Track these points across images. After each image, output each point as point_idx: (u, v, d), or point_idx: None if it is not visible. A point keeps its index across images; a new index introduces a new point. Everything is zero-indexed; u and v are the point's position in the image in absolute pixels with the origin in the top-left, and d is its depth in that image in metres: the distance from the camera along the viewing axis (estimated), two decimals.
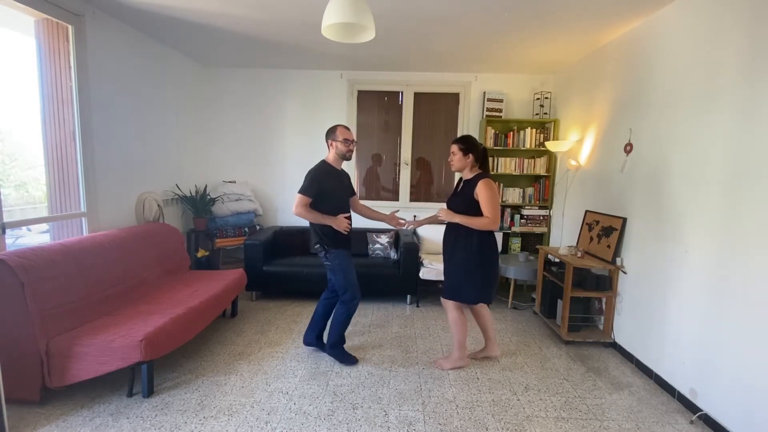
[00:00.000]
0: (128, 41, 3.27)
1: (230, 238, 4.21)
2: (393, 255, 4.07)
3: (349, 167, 4.62)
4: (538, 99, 4.34)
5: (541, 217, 4.37)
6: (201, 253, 4.02)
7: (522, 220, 4.37)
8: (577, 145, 3.74)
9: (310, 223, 2.62)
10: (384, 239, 4.13)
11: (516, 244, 4.50)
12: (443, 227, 2.69)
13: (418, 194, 4.74)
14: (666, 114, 2.57)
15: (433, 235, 4.28)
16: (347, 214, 2.64)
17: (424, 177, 4.74)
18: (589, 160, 3.55)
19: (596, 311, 3.29)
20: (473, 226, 2.43)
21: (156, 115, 3.68)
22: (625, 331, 2.94)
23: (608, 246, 3.05)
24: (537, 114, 4.35)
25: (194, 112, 4.38)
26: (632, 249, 2.87)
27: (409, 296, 3.97)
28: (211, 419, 2.11)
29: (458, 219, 2.45)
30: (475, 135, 4.50)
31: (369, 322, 3.46)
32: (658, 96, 2.65)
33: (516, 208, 4.43)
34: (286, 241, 4.19)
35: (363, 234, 4.20)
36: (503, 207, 4.39)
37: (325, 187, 2.55)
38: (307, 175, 2.57)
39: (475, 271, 2.50)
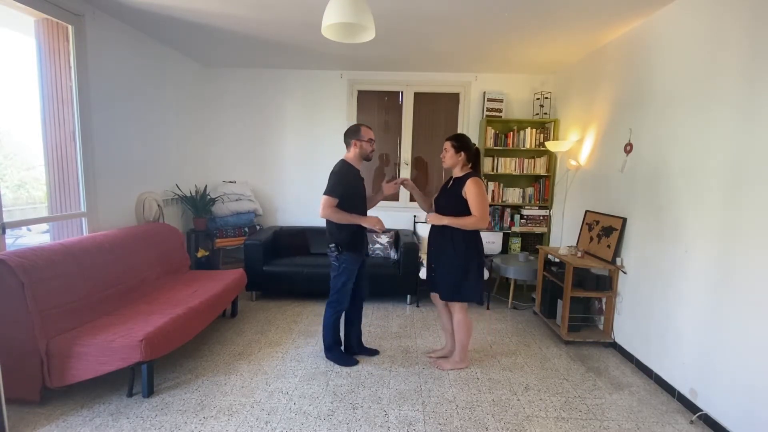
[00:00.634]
0: (128, 41, 3.27)
1: (230, 238, 4.21)
2: (393, 255, 4.07)
3: None
4: (538, 99, 4.34)
5: (541, 217, 4.37)
6: (201, 253, 4.02)
7: (522, 220, 4.37)
8: (577, 145, 3.74)
9: (328, 224, 2.56)
10: (384, 239, 4.13)
11: (516, 244, 4.50)
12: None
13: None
14: (666, 114, 2.57)
15: None
16: (377, 218, 2.57)
17: (421, 176, 4.74)
18: (589, 160, 3.55)
19: (596, 311, 3.29)
20: (462, 227, 2.43)
21: (156, 115, 3.69)
22: (625, 331, 2.94)
23: (608, 246, 3.05)
24: (537, 114, 4.35)
25: (194, 112, 4.38)
26: (632, 249, 2.87)
27: (409, 296, 3.97)
28: (211, 419, 2.11)
29: (447, 221, 2.45)
30: (475, 135, 4.51)
31: (369, 322, 3.46)
32: (658, 96, 2.65)
33: (516, 208, 4.43)
34: (286, 241, 4.19)
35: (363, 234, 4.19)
36: (503, 207, 4.39)
37: (350, 188, 2.51)
38: (331, 176, 2.49)
39: (469, 268, 2.50)
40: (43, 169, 2.78)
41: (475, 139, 4.51)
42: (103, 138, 3.03)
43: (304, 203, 4.70)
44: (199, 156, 4.52)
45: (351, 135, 2.58)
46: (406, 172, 4.68)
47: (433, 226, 2.62)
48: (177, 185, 4.03)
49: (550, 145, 3.93)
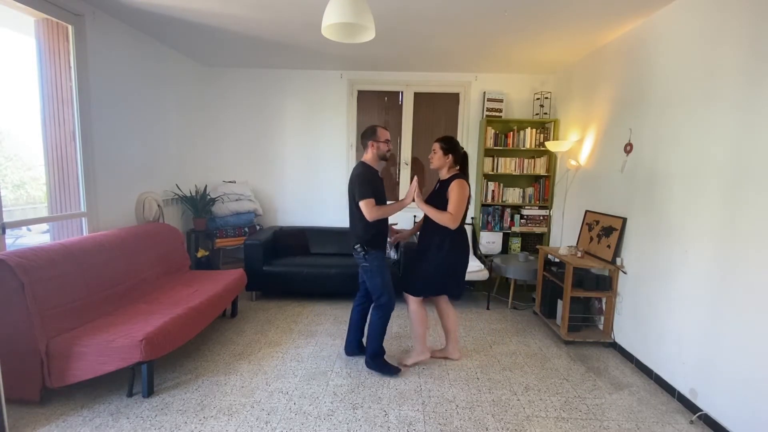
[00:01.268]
0: (128, 41, 3.27)
1: (230, 238, 4.21)
2: (393, 255, 4.06)
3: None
4: (538, 99, 4.34)
5: (541, 217, 4.37)
6: (201, 253, 4.02)
7: (522, 220, 4.38)
8: (577, 145, 3.74)
9: (353, 225, 2.55)
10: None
11: (516, 244, 4.50)
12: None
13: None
14: (666, 114, 2.57)
15: None
16: (412, 187, 2.56)
17: (421, 176, 4.74)
18: (589, 160, 3.54)
19: (596, 311, 3.29)
20: (434, 218, 2.46)
21: (156, 115, 3.68)
22: (625, 331, 2.94)
23: (608, 246, 3.05)
24: (537, 114, 4.35)
25: (194, 112, 4.38)
26: (632, 249, 2.87)
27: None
28: (211, 419, 2.11)
29: (424, 207, 2.49)
30: (475, 135, 4.51)
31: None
32: (658, 96, 2.65)
33: (516, 208, 4.43)
34: (286, 241, 4.19)
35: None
36: (503, 207, 4.39)
37: (375, 187, 2.51)
38: (356, 179, 2.47)
39: (449, 267, 2.56)
40: (43, 169, 2.78)
41: (475, 139, 4.53)
42: (103, 138, 3.02)
43: (304, 203, 4.70)
44: (199, 156, 4.52)
45: (368, 136, 2.58)
46: (406, 172, 4.68)
47: (424, 226, 2.66)
48: (177, 185, 4.03)
49: (550, 145, 3.93)
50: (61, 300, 2.23)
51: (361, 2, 1.96)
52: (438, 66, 4.23)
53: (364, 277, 2.63)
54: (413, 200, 2.49)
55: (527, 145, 4.28)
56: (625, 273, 2.94)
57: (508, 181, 4.45)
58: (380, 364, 2.64)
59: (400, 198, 4.66)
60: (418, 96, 4.58)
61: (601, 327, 3.22)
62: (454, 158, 2.55)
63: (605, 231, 3.14)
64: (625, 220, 2.96)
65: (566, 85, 4.07)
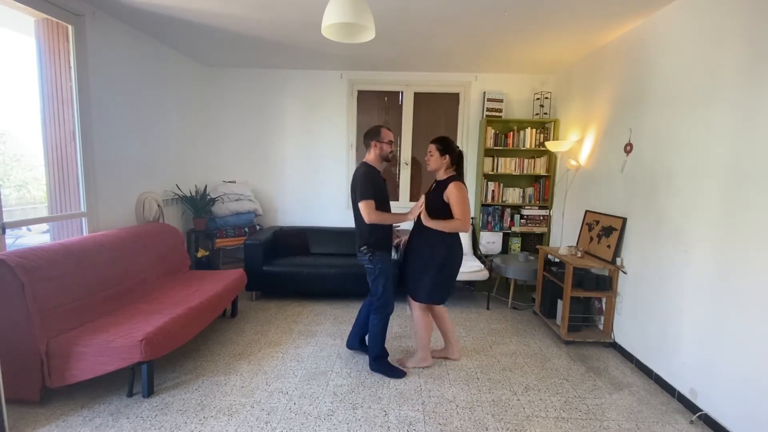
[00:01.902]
0: (128, 41, 3.27)
1: (230, 238, 4.21)
2: (393, 255, 4.06)
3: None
4: (538, 99, 4.34)
5: (541, 217, 4.37)
6: (201, 253, 4.03)
7: (522, 220, 4.38)
8: (577, 145, 3.74)
9: (358, 226, 2.53)
10: None
11: (516, 244, 4.50)
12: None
13: (416, 194, 4.74)
14: (666, 114, 2.57)
15: None
16: (418, 202, 2.57)
17: (415, 176, 4.74)
18: (589, 160, 3.54)
19: (596, 311, 3.29)
20: (447, 230, 2.44)
21: (156, 115, 3.68)
22: (625, 331, 2.94)
23: (608, 246, 3.05)
24: (537, 114, 4.35)
25: (194, 112, 4.38)
26: (632, 249, 2.87)
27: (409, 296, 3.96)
28: (211, 419, 2.11)
29: (432, 224, 2.44)
30: (475, 135, 4.51)
31: None
32: (658, 96, 2.65)
33: (516, 208, 4.42)
34: (286, 241, 4.19)
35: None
36: (503, 207, 4.39)
37: (377, 188, 2.49)
38: (358, 179, 2.46)
39: (443, 271, 2.54)
40: (43, 169, 2.78)
41: (475, 139, 4.53)
42: (103, 138, 3.03)
43: (304, 203, 4.70)
44: (199, 156, 4.52)
45: (371, 136, 2.56)
46: (406, 172, 4.68)
47: (414, 228, 2.64)
48: (177, 185, 4.03)
49: (550, 145, 3.93)
50: (61, 300, 2.23)
51: (361, 2, 1.95)
52: (438, 66, 4.23)
53: (368, 279, 2.61)
54: (415, 217, 2.48)
55: (527, 145, 4.28)
56: (625, 273, 2.94)
57: (508, 181, 4.45)
58: (385, 365, 2.62)
59: (400, 198, 4.69)
60: (418, 96, 4.57)
61: (601, 327, 3.22)
62: (451, 159, 2.54)
63: (605, 231, 3.14)
64: (625, 220, 2.96)
65: (566, 85, 4.07)
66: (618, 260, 2.98)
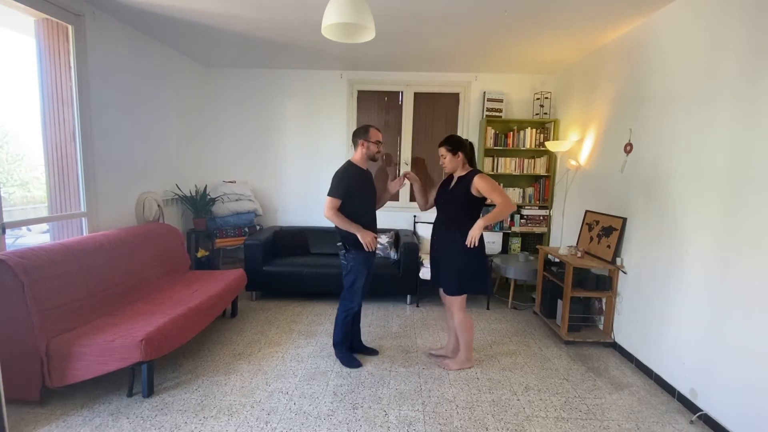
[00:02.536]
0: (128, 41, 3.27)
1: (230, 238, 4.21)
2: (393, 255, 4.07)
3: None
4: (538, 99, 4.34)
5: (541, 217, 4.37)
6: (201, 253, 4.03)
7: (522, 220, 4.38)
8: (577, 145, 3.74)
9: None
10: (384, 239, 4.13)
11: (516, 244, 4.50)
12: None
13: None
14: (666, 114, 2.57)
15: None
16: (374, 235, 2.57)
17: (421, 176, 4.74)
18: (589, 160, 3.54)
19: (596, 311, 3.29)
20: (500, 217, 2.42)
21: (156, 115, 3.68)
22: (625, 331, 2.94)
23: (608, 246, 3.05)
24: (537, 114, 4.35)
25: (194, 112, 4.38)
26: (632, 249, 2.87)
27: (409, 296, 3.97)
28: (211, 419, 2.11)
29: (483, 222, 2.40)
30: (475, 135, 4.51)
31: (369, 322, 3.46)
32: (659, 96, 2.65)
33: (516, 208, 4.43)
34: (286, 241, 4.19)
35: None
36: None
37: (353, 188, 2.51)
38: (334, 176, 2.52)
39: (474, 261, 2.51)
40: (43, 169, 2.79)
41: (475, 139, 4.52)
42: (103, 138, 3.03)
43: (304, 203, 4.70)
44: (199, 156, 4.51)
45: (359, 135, 2.59)
46: None
47: (435, 225, 2.64)
48: (177, 185, 4.03)
49: (550, 145, 3.93)
50: (61, 300, 2.22)
51: (361, 2, 1.96)
52: (438, 66, 4.23)
53: (343, 273, 2.65)
54: (368, 246, 2.50)
55: (527, 145, 4.28)
56: (625, 273, 2.94)
57: (508, 181, 4.45)
58: (341, 354, 2.74)
59: (400, 198, 4.69)
60: (418, 96, 4.57)
61: (601, 327, 3.22)
62: (464, 154, 2.56)
63: (605, 231, 3.14)
64: (625, 220, 2.96)
65: (566, 85, 4.07)
66: (618, 260, 2.98)
